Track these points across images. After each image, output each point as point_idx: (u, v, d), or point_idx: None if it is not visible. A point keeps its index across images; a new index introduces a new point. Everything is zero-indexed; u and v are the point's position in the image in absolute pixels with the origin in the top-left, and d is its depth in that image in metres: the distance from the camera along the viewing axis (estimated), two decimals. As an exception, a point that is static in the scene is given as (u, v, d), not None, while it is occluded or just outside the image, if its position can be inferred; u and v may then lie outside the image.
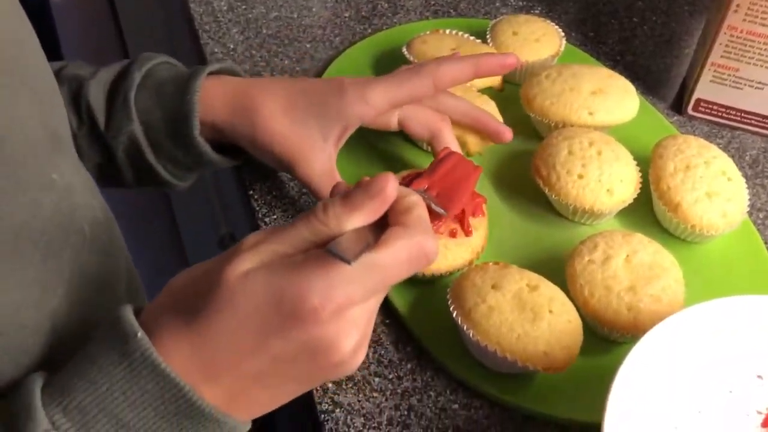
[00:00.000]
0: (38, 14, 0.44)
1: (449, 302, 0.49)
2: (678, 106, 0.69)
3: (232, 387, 0.35)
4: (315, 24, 0.73)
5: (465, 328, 0.48)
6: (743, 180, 0.57)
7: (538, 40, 0.66)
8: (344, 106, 0.52)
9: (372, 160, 0.61)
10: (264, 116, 0.52)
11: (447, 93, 0.57)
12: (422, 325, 0.52)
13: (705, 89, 0.66)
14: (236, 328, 0.34)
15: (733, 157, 0.60)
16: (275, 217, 0.58)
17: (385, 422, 0.48)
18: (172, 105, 0.53)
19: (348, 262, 0.32)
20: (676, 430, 0.43)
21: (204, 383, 0.34)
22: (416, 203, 0.37)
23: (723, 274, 0.56)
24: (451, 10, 0.76)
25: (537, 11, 0.77)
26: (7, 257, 0.36)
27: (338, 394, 0.49)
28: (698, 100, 0.67)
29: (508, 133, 0.57)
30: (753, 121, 0.67)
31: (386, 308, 0.53)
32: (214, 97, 0.53)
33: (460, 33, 0.67)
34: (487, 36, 0.68)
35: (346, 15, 0.75)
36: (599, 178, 0.55)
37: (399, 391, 0.50)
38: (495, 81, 0.65)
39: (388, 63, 0.68)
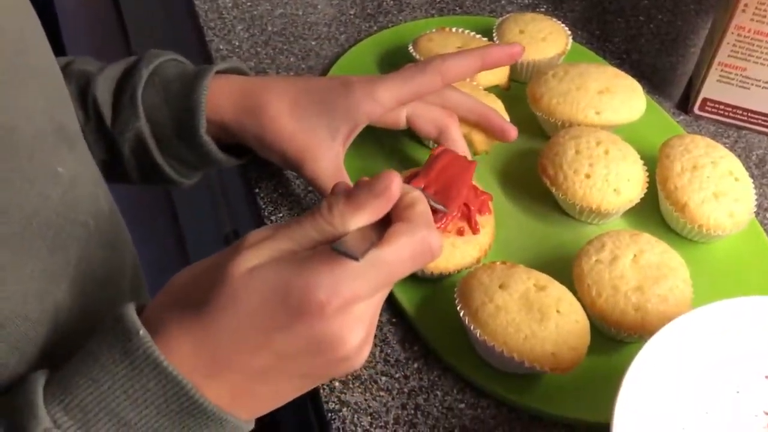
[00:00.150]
0: (42, 10, 0.44)
1: (456, 301, 0.49)
2: (684, 105, 0.69)
3: (236, 383, 0.35)
4: (320, 21, 0.73)
5: (472, 327, 0.48)
6: (750, 180, 0.57)
7: (545, 39, 0.66)
8: (352, 105, 0.52)
9: (377, 157, 0.61)
10: (271, 115, 0.52)
11: (453, 88, 0.57)
12: (429, 324, 0.52)
13: (712, 88, 0.66)
14: (241, 325, 0.34)
15: (739, 156, 0.60)
16: (281, 215, 0.58)
17: (392, 421, 0.48)
18: (179, 103, 0.53)
19: (356, 259, 0.33)
20: (684, 431, 0.43)
21: (208, 380, 0.34)
22: (419, 199, 0.37)
23: (730, 274, 0.56)
24: (457, 8, 0.76)
25: (543, 9, 0.77)
26: (15, 249, 0.36)
27: (345, 393, 0.49)
28: (705, 100, 0.67)
29: (512, 132, 0.57)
30: (760, 121, 0.67)
31: (393, 307, 0.53)
32: (221, 96, 0.53)
33: (466, 31, 0.67)
34: (494, 34, 0.68)
35: (352, 12, 0.74)
36: (606, 177, 0.55)
37: (406, 390, 0.50)
38: (502, 79, 0.65)
39: (394, 61, 0.68)
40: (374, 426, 0.48)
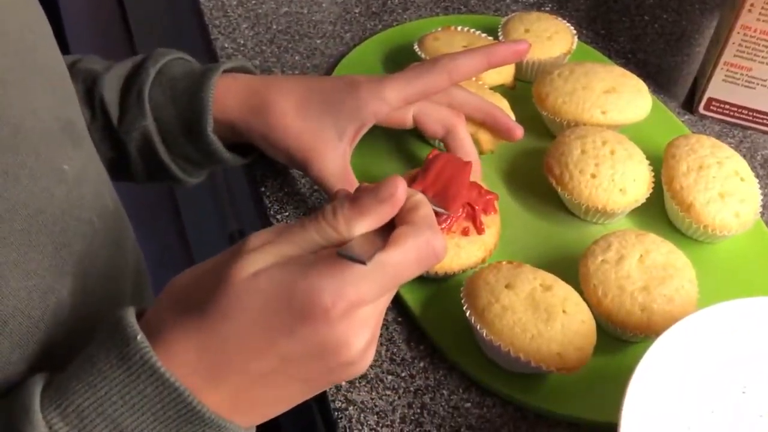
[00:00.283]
0: (45, 8, 0.44)
1: (462, 301, 0.49)
2: (689, 104, 0.69)
3: (239, 388, 0.34)
4: (325, 20, 0.73)
5: (478, 327, 0.48)
6: (756, 180, 0.57)
7: (551, 38, 0.66)
8: (359, 104, 0.52)
9: (383, 157, 0.61)
10: (278, 114, 0.52)
11: (459, 87, 0.57)
12: (435, 323, 0.52)
13: (717, 88, 0.66)
14: (245, 329, 0.33)
15: (744, 156, 0.60)
16: (287, 214, 0.58)
17: (398, 420, 0.48)
18: (186, 101, 0.53)
19: (363, 263, 0.32)
20: (689, 430, 0.43)
21: (209, 385, 0.34)
22: (422, 202, 0.37)
23: (735, 274, 0.56)
24: (462, 7, 0.76)
25: (547, 8, 0.77)
26: (20, 246, 0.36)
27: (351, 392, 0.49)
28: (710, 99, 0.67)
29: (518, 131, 0.57)
30: (765, 121, 0.67)
31: (399, 306, 0.53)
32: (227, 95, 0.53)
33: (472, 30, 0.67)
34: (499, 33, 0.68)
35: (357, 11, 0.74)
36: (612, 177, 0.55)
37: (412, 389, 0.50)
38: (507, 79, 0.65)
39: (399, 59, 0.68)
40: (380, 425, 0.48)
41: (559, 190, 0.57)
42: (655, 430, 0.41)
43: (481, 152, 0.58)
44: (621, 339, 0.51)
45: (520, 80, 0.67)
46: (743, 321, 0.45)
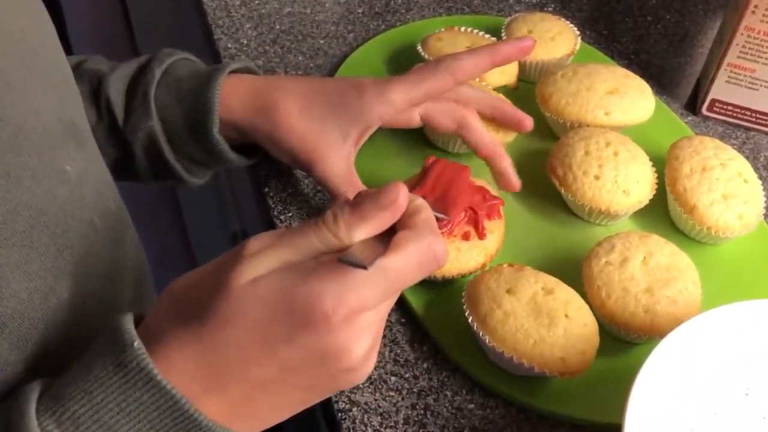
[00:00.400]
0: (48, 9, 0.44)
1: (464, 307, 0.49)
2: (692, 105, 0.69)
3: (238, 396, 0.34)
4: (328, 20, 0.73)
5: (481, 334, 0.48)
6: (759, 182, 0.57)
7: (554, 39, 0.66)
8: (364, 106, 0.52)
9: (387, 158, 0.61)
10: (283, 114, 0.52)
11: (465, 84, 0.56)
12: (438, 325, 0.52)
13: (720, 89, 0.66)
14: (245, 337, 0.33)
15: (747, 158, 0.60)
16: (290, 214, 0.58)
17: (401, 421, 0.48)
18: (192, 102, 0.53)
19: (365, 267, 0.32)
20: (693, 432, 0.43)
21: (208, 393, 0.33)
22: (423, 206, 0.36)
23: (738, 276, 0.56)
24: (465, 7, 0.76)
25: (550, 9, 0.77)
26: (23, 247, 0.36)
27: (355, 393, 0.49)
28: (713, 101, 0.67)
29: (528, 122, 0.56)
30: (768, 122, 0.67)
31: (402, 307, 0.53)
32: (233, 95, 0.53)
33: (475, 30, 0.67)
34: (502, 34, 0.68)
35: (360, 11, 0.74)
36: (615, 179, 0.55)
37: (415, 390, 0.50)
38: (510, 79, 0.65)
39: (402, 60, 0.68)
40: (384, 426, 0.48)
41: (563, 191, 0.57)
42: (657, 431, 0.41)
43: None
44: (624, 340, 0.51)
45: (523, 81, 0.67)
46: (746, 323, 0.45)
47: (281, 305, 0.33)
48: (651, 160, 0.58)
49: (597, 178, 0.55)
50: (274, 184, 0.60)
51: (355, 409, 0.48)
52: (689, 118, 0.68)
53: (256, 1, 0.74)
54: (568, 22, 0.69)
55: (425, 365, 0.51)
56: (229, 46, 0.70)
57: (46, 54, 0.42)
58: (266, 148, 0.54)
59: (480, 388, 0.50)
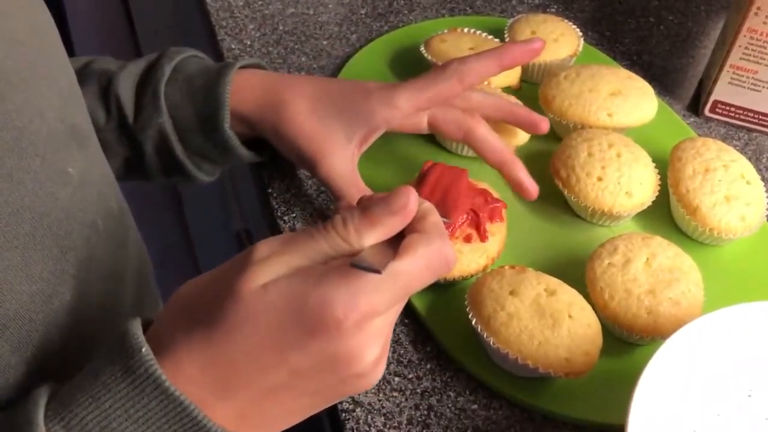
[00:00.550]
0: (51, 10, 0.44)
1: (468, 309, 0.50)
2: (694, 107, 0.69)
3: (246, 403, 0.34)
4: (331, 21, 0.73)
5: (485, 336, 0.48)
6: (762, 183, 0.57)
7: (557, 40, 0.66)
8: (370, 109, 0.52)
9: (392, 161, 0.61)
10: (290, 112, 0.52)
11: (475, 90, 0.56)
12: (442, 326, 0.52)
13: (723, 91, 0.66)
14: (255, 343, 0.33)
15: (750, 159, 0.60)
16: (294, 215, 0.58)
17: (405, 422, 0.48)
18: (202, 97, 0.53)
19: (378, 272, 0.32)
20: (695, 434, 0.43)
21: (216, 399, 0.33)
22: (430, 210, 0.36)
23: (741, 277, 0.56)
24: (468, 8, 0.76)
25: (553, 10, 0.77)
26: (26, 249, 0.36)
27: (359, 394, 0.49)
28: (716, 102, 0.67)
29: (544, 124, 0.55)
30: (770, 124, 0.67)
31: (406, 308, 0.53)
32: (244, 89, 0.53)
33: (478, 32, 0.67)
34: (505, 35, 0.68)
35: (363, 12, 0.75)
36: (618, 180, 0.55)
37: (419, 390, 0.50)
38: (512, 80, 0.65)
39: (405, 61, 0.68)
40: (388, 426, 0.48)
41: (566, 192, 0.57)
42: (661, 433, 0.41)
43: None
44: (627, 342, 0.52)
45: (526, 82, 0.67)
46: (749, 325, 0.45)
47: (292, 311, 0.32)
48: (654, 161, 0.58)
49: (600, 179, 0.56)
50: (278, 185, 0.60)
51: (358, 409, 0.49)
52: (692, 119, 0.69)
53: (260, 2, 0.74)
54: (570, 23, 0.69)
55: (429, 366, 0.51)
56: (233, 46, 0.70)
57: (48, 56, 0.42)
58: (272, 142, 0.54)
59: (483, 388, 0.50)
